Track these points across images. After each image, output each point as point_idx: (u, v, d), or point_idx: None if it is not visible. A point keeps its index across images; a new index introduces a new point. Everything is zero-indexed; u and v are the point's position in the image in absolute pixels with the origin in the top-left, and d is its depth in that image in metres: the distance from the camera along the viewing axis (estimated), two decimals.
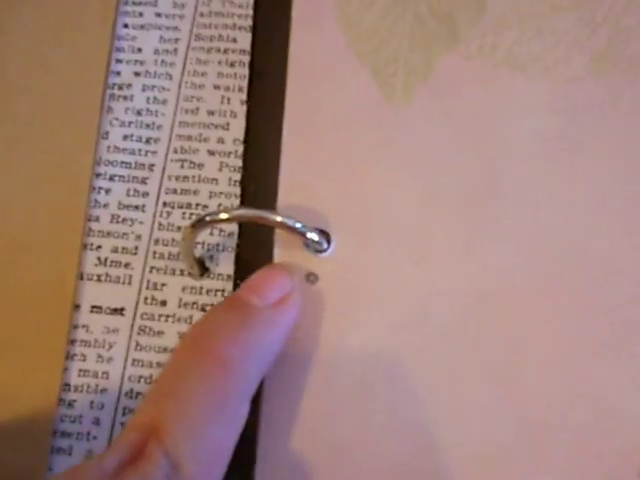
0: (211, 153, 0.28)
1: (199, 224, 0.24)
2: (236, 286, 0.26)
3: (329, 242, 0.25)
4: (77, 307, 0.26)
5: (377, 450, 0.24)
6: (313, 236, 0.25)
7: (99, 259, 0.26)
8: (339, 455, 0.24)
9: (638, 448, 0.23)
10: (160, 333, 0.26)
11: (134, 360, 0.25)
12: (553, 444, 0.24)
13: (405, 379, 0.24)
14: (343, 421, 0.24)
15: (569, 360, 0.24)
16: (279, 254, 0.25)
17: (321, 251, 0.25)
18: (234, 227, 0.27)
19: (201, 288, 0.26)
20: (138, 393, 0.25)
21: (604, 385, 0.24)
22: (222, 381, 0.20)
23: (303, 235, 0.24)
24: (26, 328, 0.26)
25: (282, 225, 0.24)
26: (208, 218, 0.24)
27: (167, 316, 0.26)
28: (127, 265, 0.26)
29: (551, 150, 0.26)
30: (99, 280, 0.26)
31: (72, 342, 0.26)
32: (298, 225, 0.24)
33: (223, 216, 0.24)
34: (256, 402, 0.23)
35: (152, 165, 0.28)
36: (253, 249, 0.26)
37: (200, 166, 0.27)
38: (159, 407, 0.20)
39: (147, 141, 0.28)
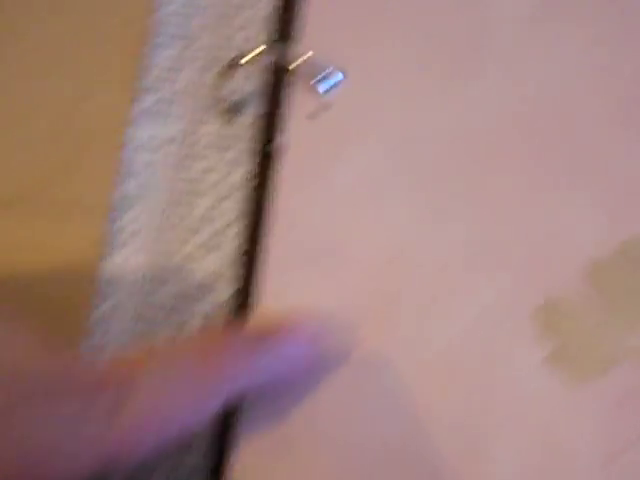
0: None
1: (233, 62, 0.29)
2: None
3: (345, 76, 0.30)
4: None
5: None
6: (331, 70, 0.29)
7: None
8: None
9: (583, 255, 0.27)
10: None
11: None
12: (510, 251, 0.27)
13: (393, 196, 0.29)
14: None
15: (531, 189, 0.28)
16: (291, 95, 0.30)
17: (337, 85, 0.30)
18: (258, 85, 0.31)
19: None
20: None
21: (557, 208, 0.28)
22: (207, 372, 0.23)
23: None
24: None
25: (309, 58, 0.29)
26: (242, 61, 0.29)
27: None
28: None
29: (535, 16, 0.31)
30: None
31: None
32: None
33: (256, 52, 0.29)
34: None
35: None
36: (271, 104, 0.31)
37: None
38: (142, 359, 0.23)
39: None
